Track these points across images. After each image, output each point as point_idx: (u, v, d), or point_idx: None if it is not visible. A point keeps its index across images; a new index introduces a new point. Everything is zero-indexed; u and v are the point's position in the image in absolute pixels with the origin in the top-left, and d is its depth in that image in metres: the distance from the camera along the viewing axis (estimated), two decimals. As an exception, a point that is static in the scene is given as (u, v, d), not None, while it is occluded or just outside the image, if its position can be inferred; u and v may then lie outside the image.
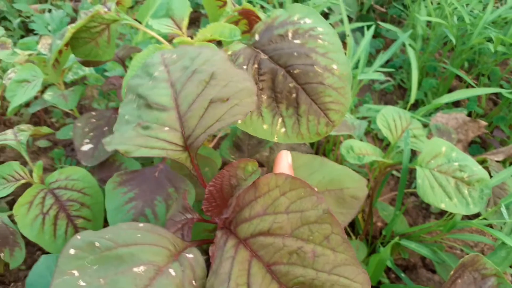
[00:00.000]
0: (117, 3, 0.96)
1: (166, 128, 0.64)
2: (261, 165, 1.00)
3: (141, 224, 0.56)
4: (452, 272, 0.85)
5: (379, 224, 1.31)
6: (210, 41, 0.93)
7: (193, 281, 0.53)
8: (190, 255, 0.56)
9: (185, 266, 0.54)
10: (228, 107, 0.63)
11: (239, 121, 0.66)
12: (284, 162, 0.69)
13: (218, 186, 0.63)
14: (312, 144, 1.48)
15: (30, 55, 1.37)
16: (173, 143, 0.63)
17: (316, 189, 0.54)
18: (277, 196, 0.55)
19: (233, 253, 0.53)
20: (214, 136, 1.30)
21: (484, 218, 1.09)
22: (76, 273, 0.48)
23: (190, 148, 0.63)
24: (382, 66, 1.97)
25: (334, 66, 0.72)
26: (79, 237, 0.51)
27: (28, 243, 1.11)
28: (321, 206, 0.52)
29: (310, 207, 0.52)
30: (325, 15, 2.23)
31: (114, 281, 0.48)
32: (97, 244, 0.51)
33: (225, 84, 0.65)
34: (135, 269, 0.50)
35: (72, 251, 0.50)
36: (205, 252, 0.59)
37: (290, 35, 0.76)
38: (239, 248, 0.54)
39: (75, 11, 2.05)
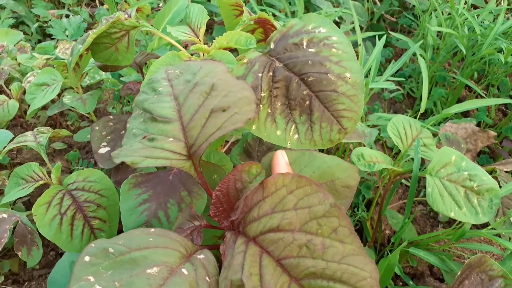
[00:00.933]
0: (137, 10, 0.99)
1: (170, 139, 0.67)
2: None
3: (152, 229, 0.59)
4: (459, 273, 0.86)
5: (388, 232, 1.32)
6: (226, 48, 0.96)
7: (207, 278, 0.55)
8: (202, 256, 0.58)
9: (197, 265, 0.56)
10: (228, 116, 0.66)
11: (240, 127, 0.68)
12: (282, 161, 0.71)
13: (224, 190, 0.65)
14: (321, 151, 1.49)
15: (48, 59, 1.40)
16: (177, 153, 0.66)
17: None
18: (284, 195, 0.57)
19: (244, 248, 0.55)
20: (227, 141, 1.33)
21: (493, 228, 1.10)
22: (91, 278, 0.50)
23: (193, 156, 0.66)
24: (392, 75, 1.98)
25: (348, 75, 0.74)
26: (93, 245, 0.54)
27: (42, 243, 1.14)
28: (328, 201, 0.54)
29: (318, 202, 0.54)
30: (337, 24, 2.26)
31: (129, 283, 0.50)
32: (111, 250, 0.54)
33: (225, 94, 0.68)
34: (149, 271, 0.52)
35: (87, 258, 0.52)
36: (216, 258, 0.61)
37: (304, 43, 0.78)
38: (249, 245, 0.56)
39: (92, 16, 2.09)
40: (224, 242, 0.60)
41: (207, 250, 0.60)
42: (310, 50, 0.77)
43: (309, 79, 0.74)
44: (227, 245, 0.58)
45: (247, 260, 0.53)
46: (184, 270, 0.54)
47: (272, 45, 0.80)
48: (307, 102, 0.74)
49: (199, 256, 0.58)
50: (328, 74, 0.74)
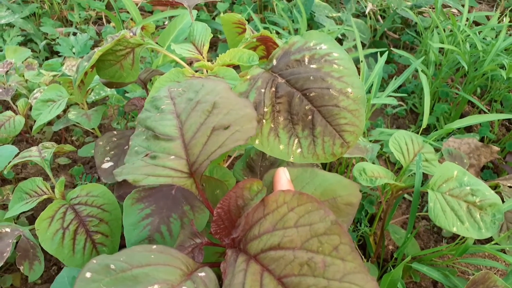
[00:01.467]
0: (142, 28, 1.01)
1: (172, 157, 0.68)
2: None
3: (154, 246, 0.59)
4: None
5: (391, 247, 1.31)
6: (229, 65, 0.97)
7: None
8: (203, 274, 0.58)
9: (198, 283, 0.56)
10: (229, 134, 0.67)
11: (242, 145, 0.68)
12: (283, 178, 0.72)
13: (225, 208, 0.65)
14: (324, 166, 1.50)
15: (54, 76, 1.42)
16: (178, 171, 0.67)
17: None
18: (285, 212, 0.57)
19: (245, 266, 0.55)
20: (229, 156, 1.33)
21: (497, 243, 1.09)
22: None
23: (195, 174, 0.67)
24: (395, 91, 2.00)
25: (349, 90, 0.75)
26: (95, 261, 0.54)
27: (44, 258, 1.14)
28: (329, 218, 0.54)
29: (319, 220, 0.54)
30: (339, 41, 2.28)
31: None
32: (112, 266, 0.54)
33: (226, 112, 0.69)
34: None
35: (88, 275, 0.52)
36: (217, 276, 0.61)
37: (306, 60, 0.79)
38: (250, 263, 0.56)
39: (98, 34, 2.13)
40: (225, 260, 0.60)
41: (208, 268, 0.60)
42: (311, 66, 0.78)
43: (311, 94, 0.75)
44: (228, 263, 0.59)
45: (248, 279, 0.53)
46: None
47: (274, 62, 0.82)
48: (310, 117, 0.75)
49: (200, 274, 0.58)
50: (330, 89, 0.75)
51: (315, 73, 0.76)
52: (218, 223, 0.66)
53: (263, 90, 0.77)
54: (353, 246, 0.52)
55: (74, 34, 1.92)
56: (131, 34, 0.96)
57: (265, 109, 0.75)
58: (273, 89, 0.77)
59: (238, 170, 1.21)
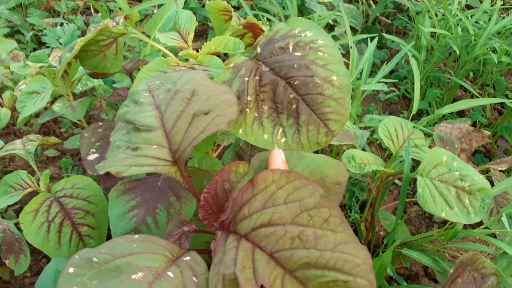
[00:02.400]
0: (126, 18, 0.99)
1: (154, 146, 0.68)
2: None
3: (136, 236, 0.59)
4: (451, 271, 0.86)
5: (382, 233, 1.31)
6: (214, 53, 0.96)
7: (194, 278, 0.55)
8: (188, 258, 0.59)
9: (183, 267, 0.56)
10: (210, 119, 0.66)
11: (223, 128, 0.68)
12: (278, 159, 0.71)
13: (212, 192, 0.65)
14: (315, 153, 1.49)
15: (41, 67, 1.40)
16: (161, 159, 0.67)
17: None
18: (274, 191, 0.57)
19: (236, 244, 0.56)
20: (219, 145, 1.33)
21: (486, 228, 1.10)
22: None
23: (178, 161, 0.67)
24: (387, 76, 1.98)
25: (334, 78, 0.74)
26: (77, 256, 0.54)
27: (34, 251, 1.14)
28: (318, 193, 0.55)
29: (308, 195, 0.55)
30: (331, 27, 2.26)
31: None
32: (94, 259, 0.54)
33: (206, 98, 0.69)
34: (134, 276, 0.52)
35: (71, 270, 0.52)
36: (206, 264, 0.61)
37: (291, 47, 0.78)
38: (241, 241, 0.56)
39: (87, 24, 2.10)
40: (215, 239, 0.60)
41: (193, 252, 0.60)
42: (296, 53, 0.77)
43: (296, 83, 0.74)
44: (218, 242, 0.59)
45: (239, 254, 0.54)
46: (169, 273, 0.54)
47: (258, 50, 0.80)
48: (294, 106, 0.74)
49: (185, 258, 0.58)
50: (314, 77, 0.74)
51: (299, 61, 0.75)
52: (205, 208, 0.65)
53: (246, 79, 0.76)
54: (343, 217, 0.53)
55: (62, 24, 1.89)
56: (114, 23, 0.95)
57: (249, 98, 0.74)
58: (257, 77, 0.76)
59: (227, 160, 1.21)
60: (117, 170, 0.65)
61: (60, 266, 0.70)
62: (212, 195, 0.65)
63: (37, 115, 1.51)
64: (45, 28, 1.99)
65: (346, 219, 1.21)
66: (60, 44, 1.70)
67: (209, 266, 0.59)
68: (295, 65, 0.75)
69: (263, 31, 1.07)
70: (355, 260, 0.50)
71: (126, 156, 0.67)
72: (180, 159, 0.67)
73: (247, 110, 0.75)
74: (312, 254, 0.51)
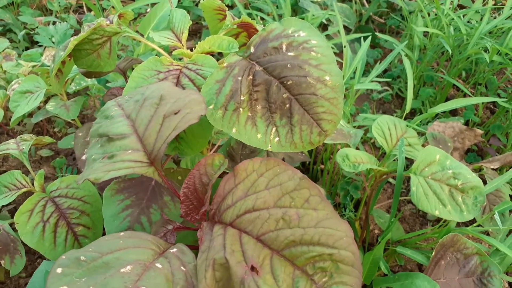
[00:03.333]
0: (119, 16, 0.99)
1: (129, 151, 0.69)
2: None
3: (121, 233, 0.61)
4: (433, 253, 0.87)
5: (376, 231, 1.32)
6: (208, 53, 0.96)
7: (182, 267, 0.57)
8: (175, 249, 0.60)
9: (170, 258, 0.58)
10: (181, 117, 0.68)
11: (195, 122, 0.69)
12: None
13: (191, 187, 0.67)
14: (310, 153, 1.50)
15: (34, 66, 1.40)
16: (138, 161, 0.68)
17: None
18: (255, 179, 0.61)
19: (223, 231, 0.58)
20: (213, 144, 1.33)
21: (479, 225, 1.11)
22: None
23: (155, 162, 0.69)
24: (381, 76, 1.99)
25: (327, 78, 0.74)
26: (64, 256, 0.55)
27: (29, 251, 1.13)
28: (297, 176, 0.58)
29: (287, 179, 0.59)
30: (325, 27, 2.27)
31: (104, 285, 0.52)
32: (82, 258, 0.55)
33: (174, 101, 0.71)
34: (123, 270, 0.54)
35: (59, 270, 0.53)
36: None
37: (284, 47, 0.78)
38: (227, 229, 0.59)
39: (79, 23, 2.09)
40: (201, 229, 0.61)
41: (180, 244, 0.62)
42: (289, 53, 0.77)
43: (289, 83, 0.75)
44: (204, 231, 0.61)
45: (227, 240, 0.56)
46: (158, 264, 0.56)
47: (252, 49, 0.81)
48: (287, 105, 0.74)
49: (172, 250, 0.60)
50: (307, 78, 0.74)
51: (292, 61, 0.76)
52: (186, 204, 0.67)
53: (240, 78, 0.76)
54: (323, 196, 0.56)
55: (54, 23, 1.88)
56: (108, 22, 0.94)
57: (242, 98, 0.75)
58: (250, 77, 0.76)
59: None
60: (95, 176, 0.66)
61: (50, 268, 0.70)
62: (191, 190, 0.67)
63: (30, 114, 1.51)
64: (37, 27, 1.98)
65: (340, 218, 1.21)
66: (53, 43, 1.69)
67: (197, 257, 0.60)
68: (288, 65, 0.76)
69: (257, 31, 1.07)
70: (337, 234, 0.54)
71: (103, 164, 0.69)
72: (156, 159, 0.68)
73: (241, 109, 0.75)
74: (296, 232, 0.54)
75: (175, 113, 0.68)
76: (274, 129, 0.74)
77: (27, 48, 1.97)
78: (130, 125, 0.72)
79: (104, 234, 0.85)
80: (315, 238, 0.54)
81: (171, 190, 0.71)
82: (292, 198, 0.57)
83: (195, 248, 0.62)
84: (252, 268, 0.53)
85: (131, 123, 0.73)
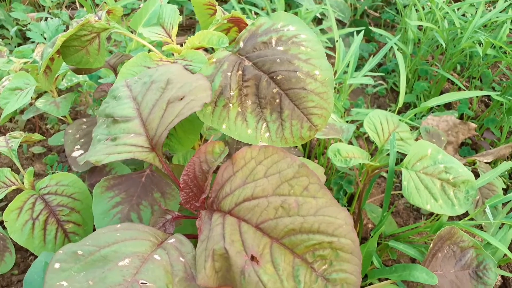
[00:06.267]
0: (108, 12, 0.98)
1: (132, 135, 0.69)
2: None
3: (118, 225, 0.60)
4: (431, 246, 0.87)
5: (370, 225, 1.32)
6: (198, 48, 0.95)
7: (181, 258, 0.56)
8: (172, 240, 0.60)
9: (169, 249, 0.58)
10: (185, 103, 0.68)
11: (198, 110, 0.70)
12: None
13: (191, 174, 0.67)
14: (304, 148, 1.49)
15: (25, 63, 1.39)
16: (139, 146, 0.68)
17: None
18: (254, 166, 0.60)
19: (222, 220, 0.58)
20: (206, 140, 1.32)
21: (472, 219, 1.11)
22: (64, 283, 0.51)
23: (156, 148, 0.69)
24: (375, 70, 1.99)
25: (317, 72, 0.74)
26: (61, 251, 0.55)
27: (21, 248, 1.13)
28: (296, 163, 0.57)
29: (286, 166, 0.58)
30: (319, 20, 2.26)
31: (102, 279, 0.51)
32: (79, 252, 0.55)
33: (180, 86, 0.71)
34: (121, 263, 0.54)
35: (57, 265, 0.53)
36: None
37: (273, 42, 0.78)
38: (226, 217, 0.58)
39: (72, 19, 2.07)
40: (200, 218, 0.61)
41: (178, 234, 0.61)
42: (278, 48, 0.77)
43: (278, 78, 0.74)
44: (203, 221, 0.60)
45: (226, 229, 0.56)
46: (156, 256, 0.56)
47: (241, 44, 0.80)
48: (277, 100, 0.74)
49: (170, 241, 0.60)
50: (297, 72, 0.74)
51: (282, 56, 0.75)
52: (186, 191, 0.67)
53: (229, 74, 0.76)
54: (322, 184, 0.55)
55: (46, 19, 1.87)
56: (96, 18, 0.94)
57: (232, 93, 0.74)
58: (240, 72, 0.76)
59: None
60: (96, 159, 0.67)
61: (49, 259, 0.70)
62: (191, 177, 0.67)
63: (21, 111, 1.50)
64: (29, 23, 1.96)
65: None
66: (45, 39, 1.68)
67: (195, 246, 0.60)
68: (278, 60, 0.75)
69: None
70: (337, 222, 0.53)
71: (106, 146, 0.69)
72: (157, 145, 0.68)
73: (230, 105, 0.74)
74: (296, 221, 0.54)
75: (180, 99, 0.68)
76: (264, 125, 0.74)
77: (19, 45, 1.96)
78: (135, 108, 0.72)
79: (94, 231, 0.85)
80: (314, 226, 0.53)
81: (171, 177, 0.71)
82: (291, 186, 0.56)
83: (194, 237, 0.62)
84: (252, 258, 0.53)
85: (136, 106, 0.73)
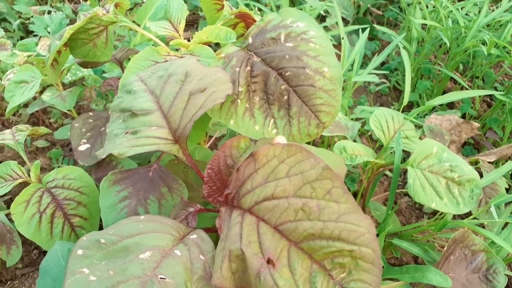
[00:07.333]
0: (116, 6, 0.97)
1: (154, 128, 0.69)
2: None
3: (142, 217, 0.60)
4: (445, 248, 0.87)
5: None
6: (206, 43, 0.95)
7: (201, 256, 0.56)
8: (194, 236, 0.59)
9: (190, 245, 0.57)
10: (207, 95, 0.68)
11: (221, 102, 0.69)
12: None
13: (215, 168, 0.66)
14: (307, 144, 1.49)
15: (29, 56, 1.38)
16: (162, 138, 0.68)
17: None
18: (276, 165, 0.58)
19: (240, 219, 0.56)
20: (211, 136, 1.32)
21: (475, 218, 1.11)
22: (86, 270, 0.51)
23: (179, 140, 0.68)
24: (378, 68, 1.99)
25: (325, 69, 0.74)
26: (85, 238, 0.55)
27: (25, 242, 1.13)
28: (320, 165, 0.55)
29: (310, 167, 0.55)
30: (322, 18, 2.25)
31: (123, 270, 0.51)
32: (102, 241, 0.55)
33: (200, 78, 0.71)
34: (142, 256, 0.53)
35: (80, 252, 0.53)
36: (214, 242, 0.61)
37: (282, 38, 0.77)
38: (245, 216, 0.56)
39: (75, 13, 2.07)
40: (220, 216, 0.60)
41: (200, 230, 0.61)
42: (287, 44, 0.77)
43: (287, 74, 0.74)
44: (223, 219, 0.59)
45: (244, 229, 0.54)
46: (177, 252, 0.55)
47: (250, 40, 0.80)
48: (285, 97, 0.74)
49: (191, 237, 0.59)
50: (306, 69, 0.74)
51: (291, 52, 0.75)
52: (209, 185, 0.66)
53: (237, 69, 0.75)
54: (345, 188, 0.53)
55: (49, 12, 1.86)
56: (104, 11, 0.93)
57: (240, 89, 0.74)
58: (248, 68, 0.76)
59: None
60: (119, 151, 0.66)
61: (64, 248, 0.71)
62: (215, 171, 0.66)
63: (25, 105, 1.50)
64: (32, 16, 1.95)
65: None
66: (48, 32, 1.67)
67: (215, 244, 0.59)
68: (287, 56, 0.75)
69: (255, 21, 1.07)
70: (359, 230, 0.51)
71: (127, 139, 0.68)
72: (181, 136, 0.68)
73: (238, 101, 0.74)
74: (316, 225, 0.52)
75: (201, 91, 0.68)
76: (272, 121, 0.74)
77: (21, 38, 1.95)
78: (154, 101, 0.72)
79: (101, 225, 0.85)
80: (335, 232, 0.51)
81: (195, 169, 0.71)
82: (314, 188, 0.54)
83: (213, 231, 0.61)
84: (269, 261, 0.51)
85: (155, 99, 0.72)
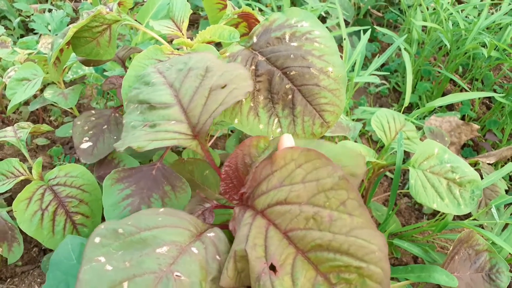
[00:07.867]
0: (119, 4, 0.97)
1: (173, 122, 0.68)
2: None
3: (161, 209, 0.59)
4: (451, 248, 0.88)
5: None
6: (209, 42, 0.95)
7: (217, 256, 0.55)
8: (212, 234, 0.58)
9: (207, 243, 0.56)
10: (228, 91, 0.68)
11: (241, 99, 0.70)
12: (287, 143, 0.71)
13: (233, 166, 0.65)
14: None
15: (29, 54, 1.38)
16: (182, 133, 0.67)
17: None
18: (293, 169, 0.56)
19: (251, 220, 0.55)
20: (212, 136, 1.32)
21: (475, 219, 1.12)
22: (103, 259, 0.51)
23: (199, 135, 0.68)
24: (378, 69, 1.99)
25: (330, 69, 0.74)
26: (102, 226, 0.54)
27: (25, 240, 1.12)
28: (337, 174, 0.53)
29: (326, 175, 0.54)
30: (323, 19, 2.26)
31: (139, 263, 0.51)
32: (120, 230, 0.54)
33: (220, 74, 0.70)
34: (158, 250, 0.53)
35: (97, 240, 0.53)
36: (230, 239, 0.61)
37: (287, 37, 0.78)
38: (256, 217, 0.55)
39: (75, 11, 2.06)
40: (233, 218, 0.59)
41: (217, 228, 0.60)
42: (292, 44, 0.77)
43: (292, 73, 0.74)
44: (236, 220, 0.58)
45: (252, 231, 0.53)
46: (194, 249, 0.54)
47: (254, 39, 0.80)
48: (290, 96, 0.74)
49: (209, 234, 0.58)
50: (310, 68, 0.74)
51: (295, 51, 0.75)
52: (226, 182, 0.66)
53: (242, 68, 0.76)
54: (361, 201, 0.51)
55: (50, 10, 1.86)
56: (108, 10, 0.93)
57: (245, 88, 0.74)
58: (253, 67, 0.76)
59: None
60: (138, 145, 0.65)
61: (74, 243, 0.71)
62: (232, 168, 0.65)
63: (26, 102, 1.49)
64: (32, 14, 1.95)
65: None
66: (49, 30, 1.67)
67: (231, 243, 0.58)
68: (291, 56, 0.75)
69: (258, 21, 1.07)
70: (370, 247, 0.48)
71: (146, 132, 0.68)
72: (200, 132, 0.68)
73: (243, 100, 0.75)
74: (325, 236, 0.50)
75: (222, 87, 0.68)
76: (276, 120, 0.74)
77: (22, 36, 1.95)
78: (174, 95, 0.71)
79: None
80: (343, 246, 0.49)
81: (213, 166, 0.70)
82: (328, 197, 0.52)
83: (227, 228, 0.61)
84: (272, 267, 0.50)
85: (174, 92, 0.71)
